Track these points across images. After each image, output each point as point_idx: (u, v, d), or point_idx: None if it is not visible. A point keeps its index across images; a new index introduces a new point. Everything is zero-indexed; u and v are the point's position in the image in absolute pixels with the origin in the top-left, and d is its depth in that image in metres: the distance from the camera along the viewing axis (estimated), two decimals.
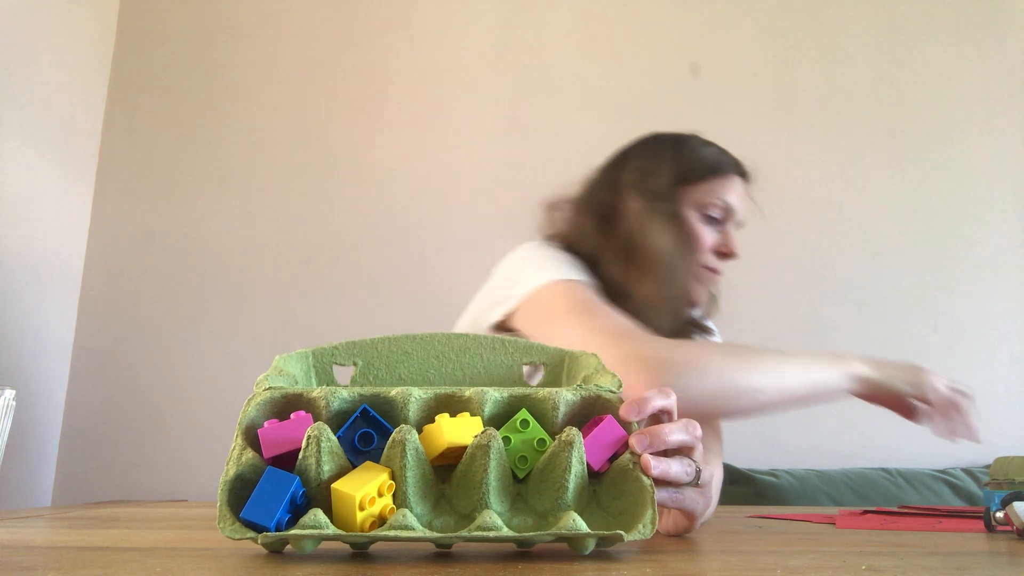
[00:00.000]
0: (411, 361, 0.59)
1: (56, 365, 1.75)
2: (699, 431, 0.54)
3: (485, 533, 0.44)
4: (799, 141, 2.01)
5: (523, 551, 0.48)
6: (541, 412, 0.52)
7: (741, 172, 1.05)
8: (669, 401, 0.54)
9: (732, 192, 1.01)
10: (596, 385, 0.54)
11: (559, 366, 0.61)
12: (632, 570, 0.41)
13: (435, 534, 0.44)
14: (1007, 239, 1.99)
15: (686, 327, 1.04)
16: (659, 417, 0.54)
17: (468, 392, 0.52)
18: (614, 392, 0.54)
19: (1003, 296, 1.96)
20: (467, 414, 0.51)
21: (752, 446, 1.78)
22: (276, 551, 0.47)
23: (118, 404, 1.77)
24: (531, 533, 0.44)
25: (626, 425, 0.52)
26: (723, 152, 1.06)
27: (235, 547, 0.49)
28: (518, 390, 0.54)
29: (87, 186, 1.86)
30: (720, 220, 1.01)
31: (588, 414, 0.53)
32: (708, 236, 1.00)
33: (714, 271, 1.00)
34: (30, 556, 0.47)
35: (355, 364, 0.59)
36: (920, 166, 2.02)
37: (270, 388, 0.53)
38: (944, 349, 1.92)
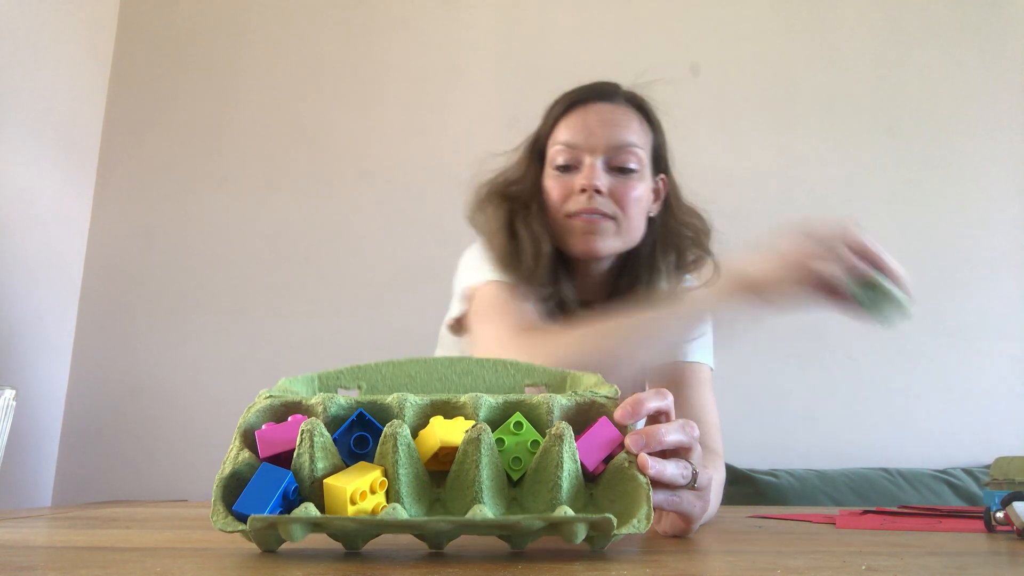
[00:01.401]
0: (414, 384, 0.60)
1: (56, 365, 1.75)
2: (696, 432, 0.53)
3: (472, 518, 0.44)
4: (799, 141, 2.01)
5: (523, 552, 0.48)
6: (536, 417, 0.53)
7: (579, 99, 1.00)
8: (666, 402, 0.53)
9: (569, 127, 0.98)
10: (591, 391, 0.55)
11: (560, 386, 0.62)
12: (631, 570, 0.41)
13: (421, 519, 0.44)
14: (1007, 239, 1.99)
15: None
16: (656, 418, 0.54)
17: (463, 398, 0.53)
18: (610, 398, 0.54)
19: (1003, 296, 1.96)
20: (461, 418, 0.52)
21: (752, 446, 1.78)
22: (270, 550, 0.47)
23: (118, 404, 1.77)
24: (517, 516, 0.44)
25: (621, 427, 0.52)
26: (565, 93, 1.02)
27: (235, 548, 0.49)
28: (513, 396, 0.54)
29: (87, 186, 1.86)
30: (573, 163, 0.96)
31: (584, 421, 0.53)
32: (556, 188, 0.96)
33: (584, 212, 0.94)
34: (30, 556, 0.47)
35: (359, 387, 0.61)
36: (920, 166, 2.02)
37: (270, 396, 0.54)
38: (944, 349, 1.92)
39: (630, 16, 2.04)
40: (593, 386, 0.58)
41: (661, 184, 1.03)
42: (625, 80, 1.06)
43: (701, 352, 1.01)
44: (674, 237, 1.02)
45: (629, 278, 1.00)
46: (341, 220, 1.89)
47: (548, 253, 0.96)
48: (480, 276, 0.97)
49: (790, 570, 0.41)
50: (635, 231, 0.97)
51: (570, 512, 0.45)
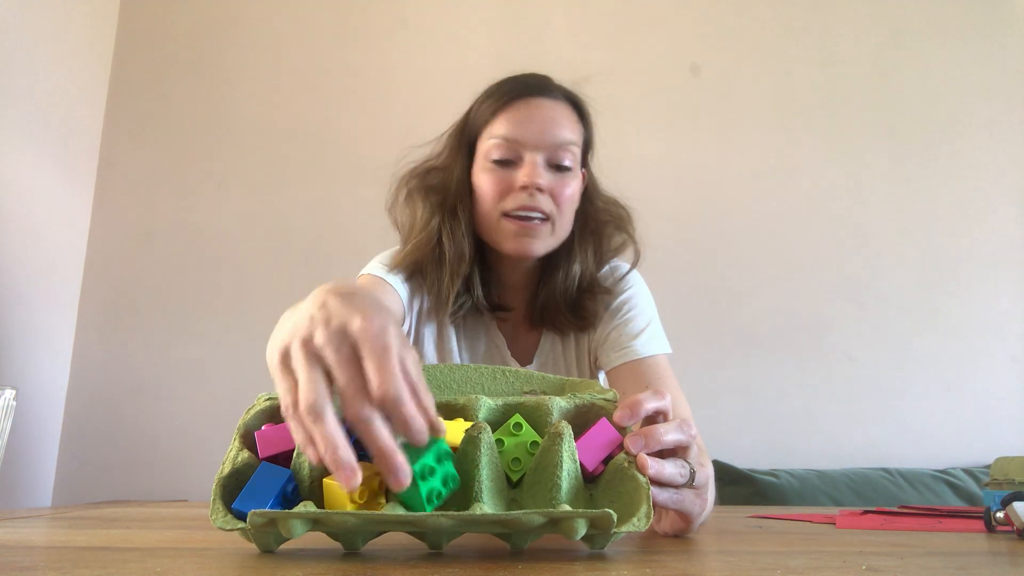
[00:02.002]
0: None
1: (56, 365, 1.75)
2: (694, 431, 0.54)
3: (472, 513, 0.44)
4: (799, 141, 2.01)
5: (523, 552, 0.48)
6: (535, 419, 0.53)
7: (521, 93, 0.98)
8: (663, 403, 0.54)
9: (509, 122, 0.96)
10: (590, 394, 0.55)
11: (558, 393, 0.62)
12: (631, 570, 0.41)
13: (421, 514, 0.44)
14: (1007, 239, 2.00)
15: (582, 296, 0.99)
16: (652, 418, 0.54)
17: (463, 400, 0.54)
18: (609, 400, 0.54)
19: (1003, 296, 1.96)
20: (461, 420, 0.52)
21: (752, 446, 1.78)
22: (269, 550, 0.47)
23: (118, 404, 1.77)
24: (517, 511, 0.44)
25: (620, 428, 0.52)
26: (501, 84, 1.01)
27: (234, 548, 0.49)
28: (512, 398, 0.55)
29: (87, 186, 1.86)
30: (511, 158, 0.94)
31: (583, 423, 0.53)
32: (492, 183, 0.94)
33: (522, 210, 0.92)
34: (30, 556, 0.47)
35: None
36: (920, 166, 2.02)
37: (269, 398, 0.54)
38: (944, 349, 1.92)
39: (630, 16, 2.04)
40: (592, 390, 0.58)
41: (582, 177, 1.03)
42: (560, 75, 1.06)
43: (653, 343, 0.98)
44: (592, 224, 1.02)
45: (550, 269, 1.00)
46: (341, 220, 1.89)
47: (465, 274, 0.96)
48: (367, 269, 0.98)
49: (790, 570, 0.41)
50: (567, 228, 0.97)
51: (567, 506, 0.45)
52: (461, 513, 0.44)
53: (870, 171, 2.00)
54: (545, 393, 0.62)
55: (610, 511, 0.44)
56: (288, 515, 0.43)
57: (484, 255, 1.00)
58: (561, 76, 1.07)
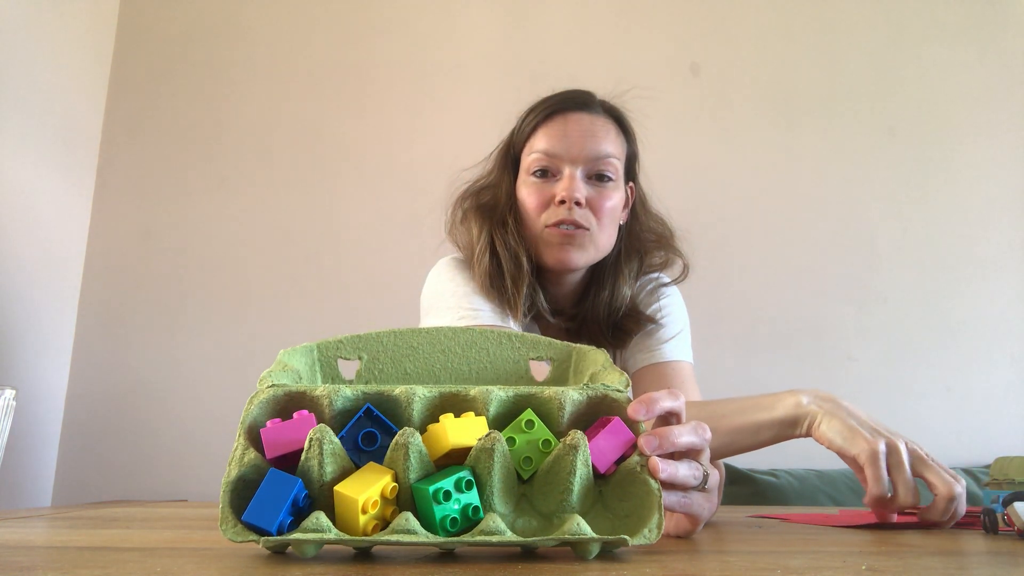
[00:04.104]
0: (417, 355, 0.58)
1: (56, 365, 1.75)
2: (708, 433, 0.53)
3: (488, 538, 0.43)
4: (799, 141, 2.01)
5: (526, 552, 0.48)
6: (547, 412, 0.52)
7: (559, 108, 0.99)
8: (678, 403, 0.53)
9: (548, 136, 0.97)
10: (603, 384, 0.53)
11: (566, 361, 0.60)
12: (633, 570, 0.41)
13: (437, 538, 0.44)
14: (1007, 239, 1.99)
15: (623, 320, 1.01)
16: (667, 419, 0.53)
17: (473, 391, 0.51)
18: (621, 391, 0.53)
19: (1003, 296, 1.96)
20: (471, 414, 0.50)
21: None
22: (278, 552, 0.47)
23: (118, 404, 1.77)
24: (534, 538, 0.44)
25: (633, 426, 0.51)
26: (542, 100, 1.02)
27: (235, 547, 0.49)
28: (523, 389, 0.52)
29: (87, 186, 1.86)
30: (550, 171, 0.97)
31: (595, 414, 0.52)
32: (533, 196, 0.97)
33: (562, 223, 0.94)
34: (30, 556, 0.47)
35: (360, 358, 0.58)
36: (920, 166, 2.02)
37: (273, 386, 0.52)
38: (944, 349, 1.92)
39: (630, 16, 2.04)
40: (600, 368, 0.56)
41: (629, 192, 1.04)
42: (602, 88, 1.06)
43: (680, 350, 1.01)
44: (637, 243, 1.03)
45: (597, 285, 1.01)
46: (341, 220, 1.89)
47: (528, 271, 0.97)
48: (464, 320, 0.94)
49: (790, 570, 0.41)
50: (608, 240, 0.99)
51: (583, 524, 0.45)
52: (475, 539, 0.44)
53: (870, 171, 2.01)
54: (552, 359, 0.60)
55: (626, 537, 0.44)
56: (301, 540, 0.43)
57: (538, 271, 1.01)
58: (563, 78, 1.07)
